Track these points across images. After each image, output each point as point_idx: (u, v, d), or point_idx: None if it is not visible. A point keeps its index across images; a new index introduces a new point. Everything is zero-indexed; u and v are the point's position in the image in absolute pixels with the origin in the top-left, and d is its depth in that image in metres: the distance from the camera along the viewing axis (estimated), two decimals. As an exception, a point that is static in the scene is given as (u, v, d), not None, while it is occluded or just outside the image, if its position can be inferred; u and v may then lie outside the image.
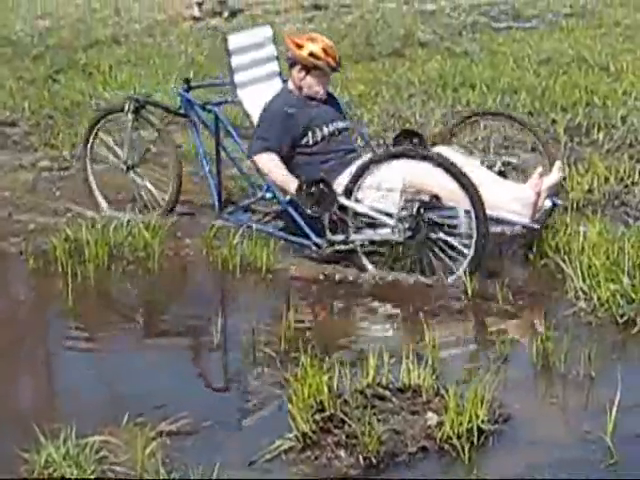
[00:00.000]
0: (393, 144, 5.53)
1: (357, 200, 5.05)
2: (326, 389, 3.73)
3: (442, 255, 5.00)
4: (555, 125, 7.08)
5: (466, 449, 3.43)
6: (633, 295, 4.55)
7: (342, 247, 5.11)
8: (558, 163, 5.30)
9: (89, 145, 6.00)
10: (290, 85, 5.47)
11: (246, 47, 5.61)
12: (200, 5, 13.08)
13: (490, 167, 5.27)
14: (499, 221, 4.95)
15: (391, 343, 4.35)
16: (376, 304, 5.15)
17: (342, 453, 3.52)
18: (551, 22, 12.66)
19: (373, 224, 5.06)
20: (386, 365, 3.97)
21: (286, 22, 13.04)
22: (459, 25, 12.53)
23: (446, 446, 3.50)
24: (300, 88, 5.40)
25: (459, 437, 3.50)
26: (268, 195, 5.44)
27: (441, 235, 5.01)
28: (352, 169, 5.10)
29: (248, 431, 3.75)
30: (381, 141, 6.87)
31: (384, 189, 4.97)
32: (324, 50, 5.32)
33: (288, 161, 5.35)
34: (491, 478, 3.36)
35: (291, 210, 5.29)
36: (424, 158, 4.90)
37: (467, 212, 4.86)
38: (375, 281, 5.34)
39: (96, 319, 4.92)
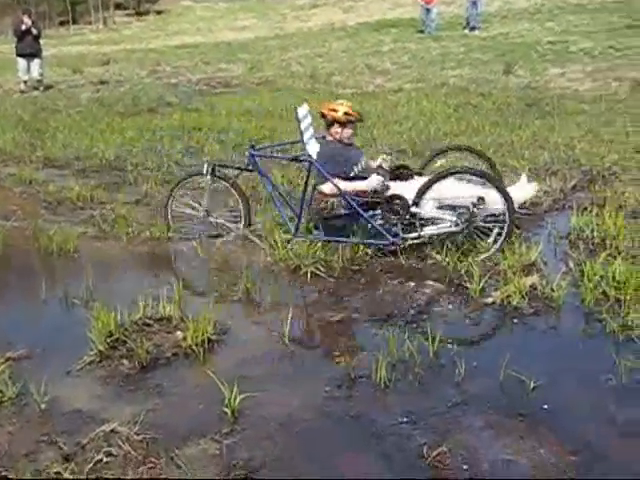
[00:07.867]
0: (391, 173, 6.22)
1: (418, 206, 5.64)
2: (113, 322, 4.46)
3: (484, 236, 5.72)
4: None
5: (201, 352, 4.25)
6: (300, 250, 5.75)
7: (415, 242, 5.74)
8: (533, 183, 6.42)
9: (170, 204, 6.67)
10: (330, 139, 6.16)
11: (303, 116, 6.22)
12: (25, 83, 17.84)
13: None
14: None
15: (153, 290, 5.12)
16: (146, 261, 6.10)
17: (125, 361, 4.19)
18: (248, 88, 16.05)
19: (434, 221, 5.68)
20: (150, 304, 4.77)
21: (83, 92, 15.91)
22: (191, 92, 16.68)
23: (189, 351, 4.28)
24: (340, 140, 6.13)
25: (196, 345, 4.31)
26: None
27: (483, 223, 5.73)
28: (414, 186, 5.72)
29: (64, 353, 4.24)
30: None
31: (441, 198, 5.66)
32: (350, 109, 6.13)
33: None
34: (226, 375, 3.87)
35: (371, 221, 5.86)
36: (475, 174, 5.66)
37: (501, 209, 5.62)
38: (139, 240, 6.41)
39: None
